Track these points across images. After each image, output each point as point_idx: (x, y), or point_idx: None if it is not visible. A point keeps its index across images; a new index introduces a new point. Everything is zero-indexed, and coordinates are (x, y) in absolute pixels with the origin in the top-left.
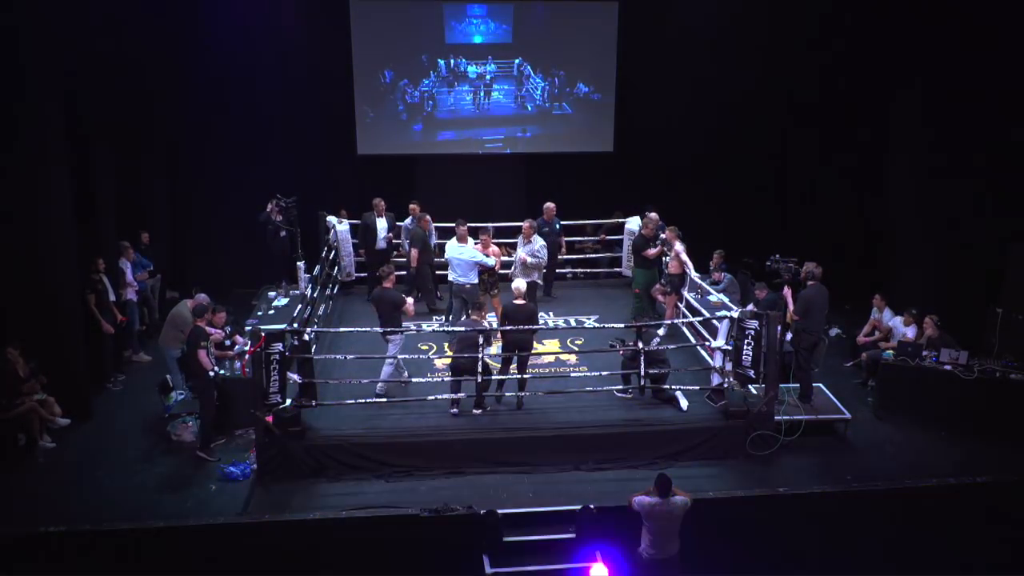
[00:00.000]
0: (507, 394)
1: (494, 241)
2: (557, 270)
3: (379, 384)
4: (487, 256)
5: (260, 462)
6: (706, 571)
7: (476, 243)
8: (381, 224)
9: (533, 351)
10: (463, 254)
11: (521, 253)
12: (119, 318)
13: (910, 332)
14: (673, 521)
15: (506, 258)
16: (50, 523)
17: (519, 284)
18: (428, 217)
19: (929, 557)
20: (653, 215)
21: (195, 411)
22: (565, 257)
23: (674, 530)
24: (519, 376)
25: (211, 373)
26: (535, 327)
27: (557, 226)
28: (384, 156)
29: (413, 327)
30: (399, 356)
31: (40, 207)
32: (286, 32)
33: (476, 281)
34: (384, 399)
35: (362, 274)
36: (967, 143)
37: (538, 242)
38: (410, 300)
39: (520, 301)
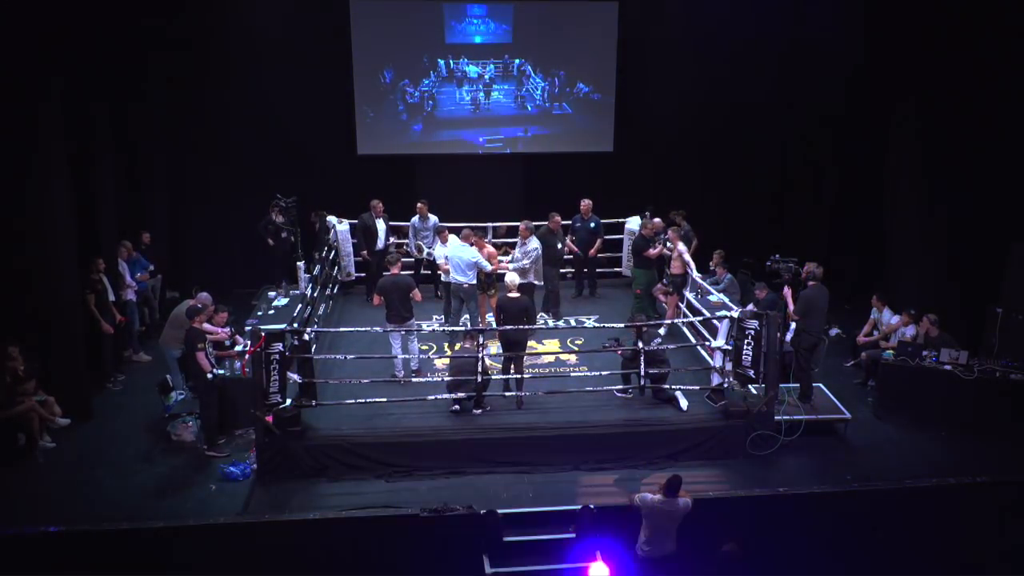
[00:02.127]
0: (507, 394)
1: (491, 242)
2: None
3: (414, 360)
4: (487, 259)
5: (260, 462)
6: (705, 571)
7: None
8: (380, 225)
9: (532, 351)
10: (463, 254)
11: (516, 253)
12: (119, 318)
13: (909, 331)
14: (673, 521)
15: (504, 257)
16: (50, 523)
17: (512, 277)
18: (558, 217)
19: (929, 557)
20: (657, 220)
21: (195, 411)
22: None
23: (672, 530)
24: (517, 375)
25: (209, 375)
26: (529, 327)
27: (592, 224)
28: (384, 156)
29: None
30: (399, 356)
31: (40, 207)
32: (286, 32)
33: (474, 281)
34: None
35: (361, 274)
36: (967, 142)
37: (531, 244)
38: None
39: (515, 294)
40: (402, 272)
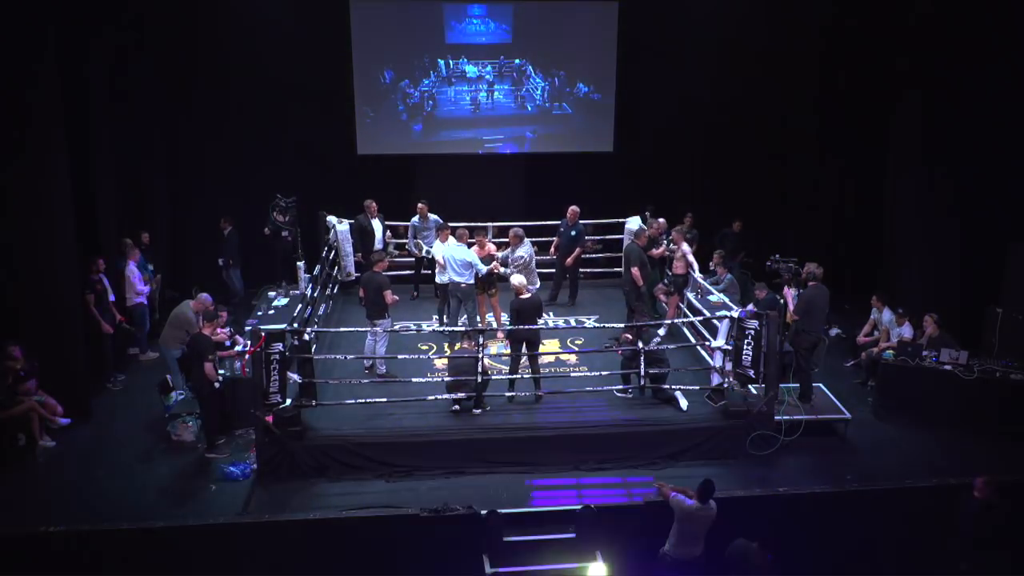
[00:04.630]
0: (507, 394)
1: (492, 241)
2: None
3: (381, 364)
4: (481, 258)
5: (260, 462)
6: (706, 571)
7: (472, 242)
8: (376, 225)
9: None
10: (457, 254)
11: (505, 256)
12: (119, 318)
13: (905, 331)
14: (704, 525)
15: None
16: (50, 523)
17: (519, 279)
18: (657, 226)
19: (929, 557)
20: (661, 220)
21: (195, 411)
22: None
23: (702, 534)
24: (534, 375)
25: (216, 384)
26: (540, 327)
27: (573, 232)
28: (384, 156)
29: (413, 327)
30: (368, 352)
31: (40, 207)
32: (286, 32)
33: (471, 281)
34: (390, 377)
35: (360, 275)
36: (967, 142)
37: (519, 251)
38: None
39: (526, 295)
40: (384, 272)
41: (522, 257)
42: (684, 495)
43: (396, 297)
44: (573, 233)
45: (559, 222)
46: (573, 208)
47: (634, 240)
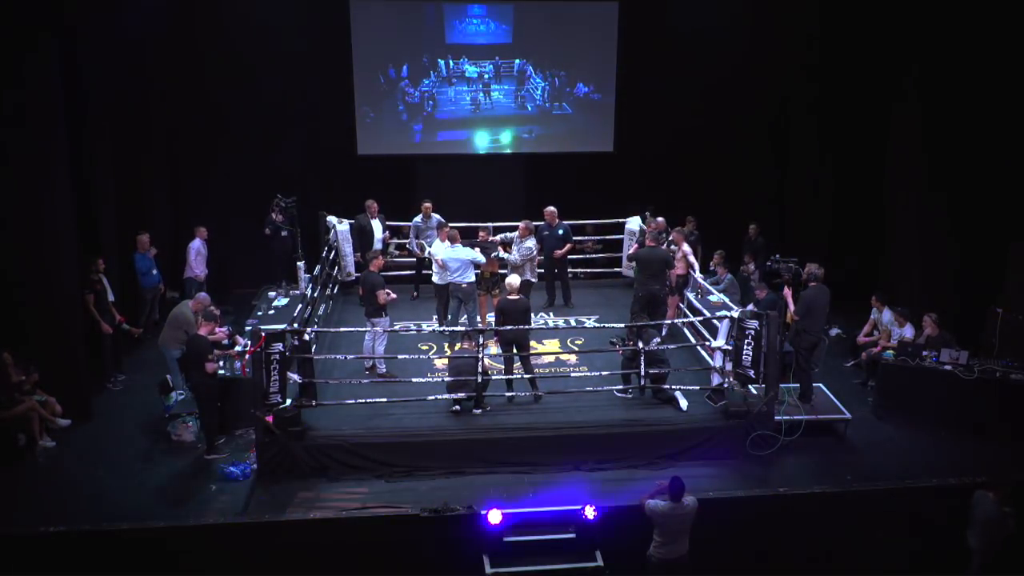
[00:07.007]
0: (507, 394)
1: (492, 240)
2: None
3: (381, 364)
4: (481, 243)
5: (260, 462)
6: (706, 571)
7: (475, 244)
8: (376, 225)
9: (533, 351)
10: (458, 254)
11: (512, 250)
12: (118, 318)
13: (907, 332)
14: (685, 523)
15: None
16: (50, 523)
17: (512, 280)
18: (656, 225)
19: (929, 557)
20: (660, 219)
21: (195, 411)
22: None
23: (685, 531)
24: (528, 375)
25: (219, 374)
26: (528, 327)
27: (560, 231)
28: (384, 156)
29: (413, 327)
30: (367, 352)
31: (40, 207)
32: (286, 32)
33: (472, 279)
34: (390, 376)
35: (360, 275)
36: (967, 142)
37: (528, 243)
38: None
39: (514, 296)
40: (380, 271)
41: (530, 249)
42: (658, 498)
43: (394, 295)
44: (560, 232)
45: (539, 227)
46: (550, 209)
47: (659, 245)
